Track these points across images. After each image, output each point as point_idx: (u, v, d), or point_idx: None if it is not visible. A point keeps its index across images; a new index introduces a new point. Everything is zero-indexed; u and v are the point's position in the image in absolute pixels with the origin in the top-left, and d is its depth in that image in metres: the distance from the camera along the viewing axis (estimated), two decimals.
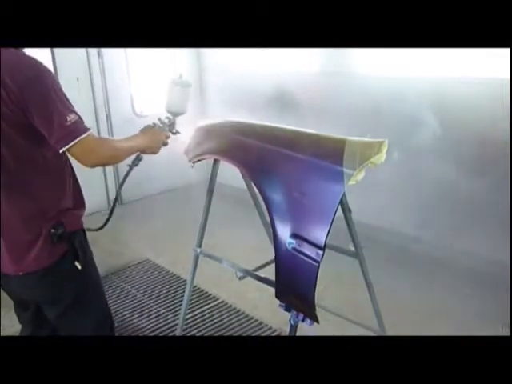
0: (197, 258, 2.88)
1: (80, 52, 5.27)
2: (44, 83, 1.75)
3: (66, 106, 1.80)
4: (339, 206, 2.00)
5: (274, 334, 3.38)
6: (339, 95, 4.67)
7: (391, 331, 2.74)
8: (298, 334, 2.23)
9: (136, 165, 2.43)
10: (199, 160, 2.62)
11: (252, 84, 5.47)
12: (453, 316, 3.43)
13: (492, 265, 3.80)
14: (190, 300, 3.56)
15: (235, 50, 5.47)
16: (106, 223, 2.44)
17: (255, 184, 2.28)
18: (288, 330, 2.24)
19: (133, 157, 2.36)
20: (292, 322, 2.20)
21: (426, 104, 4.02)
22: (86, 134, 1.81)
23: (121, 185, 2.53)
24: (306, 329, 2.20)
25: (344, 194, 2.07)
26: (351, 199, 2.33)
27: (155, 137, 2.28)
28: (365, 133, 2.14)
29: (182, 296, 3.42)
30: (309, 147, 2.16)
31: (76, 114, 1.82)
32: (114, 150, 1.99)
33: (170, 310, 3.76)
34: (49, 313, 2.09)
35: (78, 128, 1.80)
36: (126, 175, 2.47)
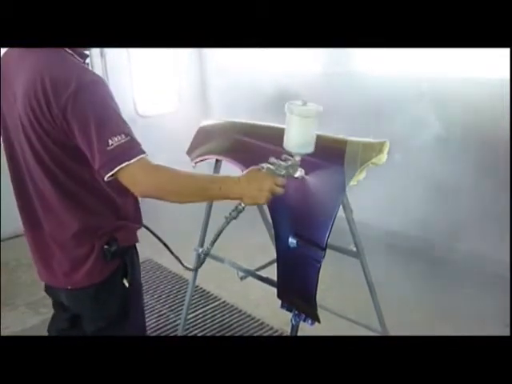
0: (199, 257, 2.89)
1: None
2: (86, 98, 1.54)
3: (110, 125, 1.56)
4: (340, 206, 2.01)
5: (276, 335, 3.38)
6: (341, 95, 4.66)
7: (393, 331, 2.74)
8: (299, 334, 2.23)
9: (234, 217, 1.85)
10: (201, 160, 2.62)
11: (254, 85, 5.47)
12: (454, 316, 3.44)
13: (493, 265, 3.80)
14: (192, 300, 3.57)
15: (237, 52, 5.47)
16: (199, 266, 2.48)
17: None
18: (289, 330, 2.24)
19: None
20: (293, 322, 2.20)
21: (427, 104, 4.02)
22: (133, 160, 1.55)
23: (213, 241, 2.11)
24: (307, 329, 2.20)
25: (345, 194, 2.07)
26: (352, 199, 2.34)
27: (261, 184, 1.74)
28: (366, 133, 2.15)
29: (184, 296, 3.43)
30: None
31: (126, 134, 1.56)
32: (170, 183, 1.67)
33: (172, 310, 3.77)
34: (87, 326, 1.97)
35: (123, 153, 1.55)
36: (221, 230, 1.98)
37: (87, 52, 1.75)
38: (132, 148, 1.57)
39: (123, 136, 1.54)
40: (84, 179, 1.71)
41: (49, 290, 2.05)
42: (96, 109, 1.55)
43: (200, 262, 2.31)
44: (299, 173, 1.86)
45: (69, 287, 1.87)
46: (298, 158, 1.83)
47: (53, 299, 2.13)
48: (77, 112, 1.53)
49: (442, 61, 3.96)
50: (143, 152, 1.60)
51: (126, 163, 1.54)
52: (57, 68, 1.59)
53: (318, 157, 2.09)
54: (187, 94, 6.23)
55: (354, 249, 2.48)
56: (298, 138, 1.80)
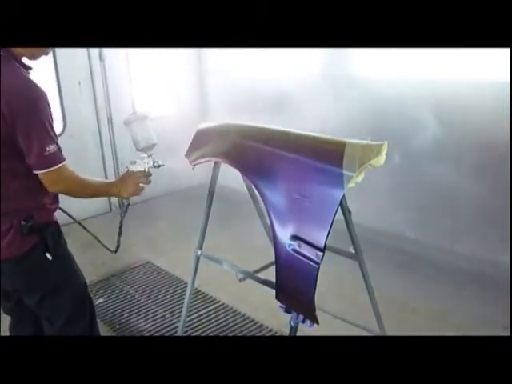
0: (198, 259, 2.89)
1: (82, 55, 5.29)
2: (33, 112, 1.96)
3: (48, 137, 2.01)
4: (339, 208, 2.01)
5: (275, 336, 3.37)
6: (340, 97, 4.67)
7: (391, 333, 2.73)
8: (297, 335, 2.23)
9: (125, 211, 2.53)
10: (200, 162, 2.62)
11: (252, 87, 5.48)
12: (453, 318, 3.44)
13: (492, 267, 3.81)
14: (191, 302, 3.57)
15: (236, 54, 5.48)
16: (117, 248, 2.64)
17: (255, 186, 2.29)
18: (288, 332, 2.24)
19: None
20: (292, 324, 2.20)
21: (426, 106, 4.03)
22: (59, 165, 2.05)
23: (119, 233, 2.61)
24: (306, 331, 2.20)
25: (344, 196, 2.07)
26: (351, 201, 2.34)
27: (128, 180, 2.40)
28: (365, 135, 2.15)
29: (183, 298, 3.43)
30: (309, 149, 2.17)
31: (56, 144, 2.04)
32: (80, 185, 2.20)
33: (171, 312, 3.77)
34: (28, 301, 2.27)
35: (54, 159, 2.03)
36: (121, 224, 2.58)
37: (31, 65, 2.11)
38: (60, 155, 2.06)
39: (55, 146, 2.03)
40: (11, 167, 2.05)
41: None
42: (40, 121, 1.97)
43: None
44: (156, 163, 2.53)
45: None
46: (149, 152, 2.53)
47: None
48: (25, 122, 1.95)
49: (441, 63, 3.96)
50: (64, 159, 2.07)
51: (56, 166, 2.03)
52: (11, 81, 1.94)
53: (317, 159, 2.09)
54: (186, 96, 6.23)
55: (353, 251, 2.48)
56: (140, 137, 2.54)
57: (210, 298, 3.93)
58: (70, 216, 2.53)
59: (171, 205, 5.73)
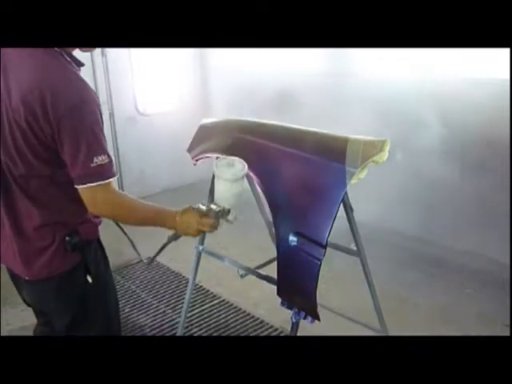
0: (199, 255, 2.88)
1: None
2: (83, 114, 1.66)
3: (97, 145, 1.70)
4: (341, 205, 2.00)
5: (276, 333, 3.38)
6: (342, 96, 4.67)
7: (392, 330, 2.73)
8: (299, 332, 2.23)
9: (173, 240, 2.12)
10: (202, 158, 2.62)
11: (255, 84, 5.47)
12: (454, 315, 3.44)
13: (493, 265, 3.81)
14: (192, 298, 3.56)
15: (238, 51, 5.47)
16: (155, 256, 2.34)
17: (257, 182, 2.28)
18: (289, 329, 2.24)
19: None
20: (293, 320, 2.20)
21: (427, 105, 4.02)
22: (106, 181, 1.72)
23: (156, 254, 2.31)
24: (307, 327, 2.20)
25: (346, 193, 2.07)
26: (353, 198, 2.33)
27: (185, 224, 1.99)
28: (367, 133, 2.15)
29: (184, 294, 3.43)
30: (311, 145, 2.16)
31: (108, 155, 1.72)
32: (129, 210, 1.86)
33: (172, 308, 3.77)
34: (55, 324, 2.02)
35: (102, 172, 1.71)
36: (163, 247, 2.23)
37: (82, 61, 1.81)
38: (111, 170, 1.74)
39: (106, 157, 1.71)
40: (58, 177, 1.79)
41: (13, 280, 2.06)
42: (89, 127, 1.67)
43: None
44: (231, 216, 2.06)
45: (27, 278, 1.90)
46: (227, 208, 2.03)
47: (24, 302, 2.14)
48: (71, 126, 1.64)
49: (442, 62, 3.96)
50: (115, 175, 1.77)
51: (102, 182, 1.71)
52: (57, 77, 1.67)
53: (320, 155, 2.09)
54: (188, 92, 6.23)
55: (355, 247, 2.48)
56: (226, 197, 2.02)
57: (211, 293, 3.93)
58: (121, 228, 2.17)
59: (173, 201, 5.70)
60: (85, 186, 1.70)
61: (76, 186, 1.72)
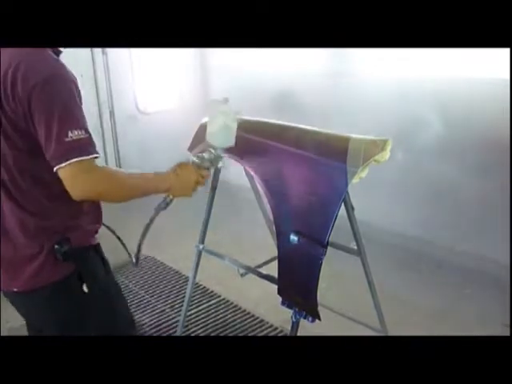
0: (199, 254, 2.88)
1: (84, 49, 5.27)
2: (55, 87, 1.53)
3: (73, 118, 1.55)
4: (342, 204, 2.00)
5: (276, 332, 3.38)
6: (342, 95, 4.67)
7: (392, 330, 2.73)
8: (299, 332, 2.23)
9: (163, 208, 1.96)
10: None
11: (256, 83, 5.47)
12: (453, 315, 3.44)
13: (493, 265, 3.80)
14: (192, 297, 3.56)
15: (239, 50, 5.47)
16: (136, 262, 2.11)
17: (258, 181, 2.28)
18: (289, 328, 2.24)
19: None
20: (294, 319, 2.20)
21: (428, 104, 4.02)
22: (84, 158, 1.54)
23: (143, 234, 2.04)
24: (307, 326, 2.20)
25: (347, 192, 2.07)
26: (354, 197, 2.33)
27: (185, 178, 1.88)
28: (368, 132, 2.14)
29: (184, 293, 3.43)
30: (313, 144, 2.16)
31: (85, 131, 1.56)
32: (113, 185, 1.67)
33: (172, 307, 3.76)
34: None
35: (79, 147, 1.53)
36: (150, 223, 2.01)
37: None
38: (90, 145, 1.57)
39: (83, 132, 1.55)
40: (39, 174, 1.65)
41: (4, 293, 1.89)
42: (62, 100, 1.54)
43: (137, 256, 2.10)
44: (221, 164, 2.02)
45: (15, 289, 1.76)
46: (219, 151, 1.99)
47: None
48: (42, 99, 1.51)
49: (443, 61, 3.95)
50: (97, 153, 1.59)
51: (80, 158, 1.53)
52: (32, 55, 1.57)
53: (321, 154, 2.09)
54: (188, 90, 6.23)
55: (355, 247, 2.48)
56: (221, 134, 1.98)
57: (211, 292, 3.93)
58: (115, 234, 2.02)
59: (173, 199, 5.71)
60: (62, 164, 1.52)
61: (54, 169, 1.54)
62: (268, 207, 2.32)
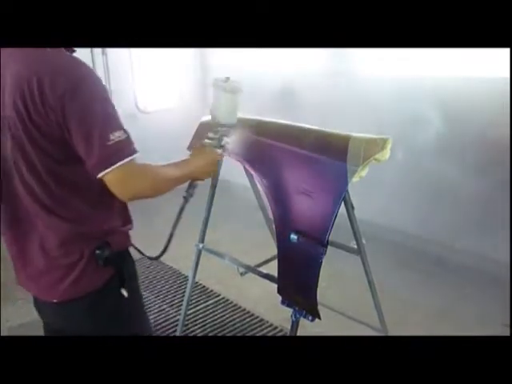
0: (199, 253, 2.88)
1: (84, 49, 5.26)
2: (88, 89, 1.46)
3: (112, 120, 1.49)
4: (342, 203, 2.00)
5: (275, 331, 3.38)
6: (343, 94, 4.67)
7: (392, 329, 2.74)
8: (299, 331, 2.23)
9: (191, 195, 2.02)
10: None
11: (256, 82, 5.46)
12: (453, 314, 3.44)
13: (492, 264, 3.80)
14: (192, 296, 3.57)
15: (239, 50, 5.46)
16: (163, 253, 2.09)
17: (258, 179, 2.28)
18: (289, 327, 2.24)
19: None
20: (293, 319, 2.20)
21: (427, 103, 4.02)
22: (129, 159, 1.48)
23: (176, 221, 2.11)
24: (307, 326, 2.20)
25: (347, 191, 2.07)
26: (353, 196, 2.33)
27: (209, 158, 1.93)
28: (368, 131, 2.14)
29: (184, 292, 3.43)
30: (313, 143, 2.16)
31: (124, 131, 1.50)
32: (160, 181, 1.65)
33: (172, 306, 3.77)
34: None
35: (122, 149, 1.47)
36: (181, 209, 2.07)
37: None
38: (132, 144, 1.52)
39: (122, 132, 1.49)
40: (74, 179, 1.58)
41: (37, 305, 1.85)
42: (98, 102, 1.47)
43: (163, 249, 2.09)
44: (224, 141, 2.06)
45: (55, 300, 1.68)
46: (224, 128, 2.05)
47: (43, 322, 1.93)
48: (76, 104, 1.43)
49: (443, 60, 3.95)
50: (137, 150, 1.53)
51: (125, 160, 1.47)
52: (53, 59, 1.50)
53: (321, 153, 2.09)
54: (188, 89, 6.23)
55: (355, 246, 2.48)
56: (226, 111, 2.04)
57: (211, 291, 3.93)
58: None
59: (172, 198, 5.71)
60: (108, 169, 1.46)
61: (99, 175, 1.47)
62: (268, 206, 2.32)
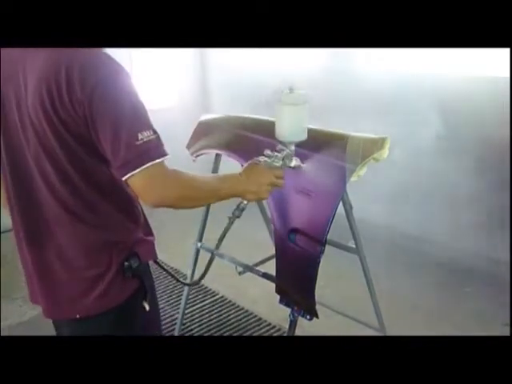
0: (197, 252, 2.88)
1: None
2: (118, 85, 1.39)
3: (141, 118, 1.42)
4: (340, 202, 2.00)
5: (274, 330, 3.38)
6: (343, 92, 4.66)
7: (391, 329, 2.74)
8: (297, 330, 2.23)
9: (238, 216, 1.86)
10: (201, 154, 2.62)
11: (255, 80, 5.46)
12: (453, 314, 3.44)
13: (493, 264, 3.81)
14: (190, 295, 3.57)
15: (239, 50, 5.46)
16: (202, 277, 2.12)
17: None
18: (287, 327, 2.24)
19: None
20: (292, 318, 2.21)
21: (427, 103, 4.02)
22: (157, 161, 1.37)
23: (218, 244, 2.09)
24: (305, 325, 2.20)
25: (345, 190, 2.07)
26: (352, 196, 2.33)
27: (260, 179, 1.72)
28: (367, 130, 2.15)
29: (182, 290, 3.43)
30: (311, 142, 2.16)
31: (154, 131, 1.42)
32: (191, 190, 1.51)
33: (170, 305, 3.77)
34: None
35: (151, 150, 1.37)
36: (226, 230, 1.99)
37: None
38: (161, 145, 1.42)
39: (152, 132, 1.40)
40: (102, 182, 1.49)
41: (55, 323, 1.75)
42: (128, 98, 1.40)
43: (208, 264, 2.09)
44: (295, 162, 1.87)
45: (77, 316, 1.56)
46: (292, 148, 1.83)
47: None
48: (105, 100, 1.35)
49: (443, 59, 3.95)
50: (167, 152, 1.43)
51: (154, 161, 1.37)
52: (83, 53, 1.42)
53: (319, 152, 2.09)
54: (188, 89, 6.22)
55: (353, 245, 2.48)
56: (291, 127, 1.81)
57: (209, 290, 3.93)
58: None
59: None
60: (136, 171, 1.35)
61: (125, 177, 1.37)
62: (266, 205, 2.32)
